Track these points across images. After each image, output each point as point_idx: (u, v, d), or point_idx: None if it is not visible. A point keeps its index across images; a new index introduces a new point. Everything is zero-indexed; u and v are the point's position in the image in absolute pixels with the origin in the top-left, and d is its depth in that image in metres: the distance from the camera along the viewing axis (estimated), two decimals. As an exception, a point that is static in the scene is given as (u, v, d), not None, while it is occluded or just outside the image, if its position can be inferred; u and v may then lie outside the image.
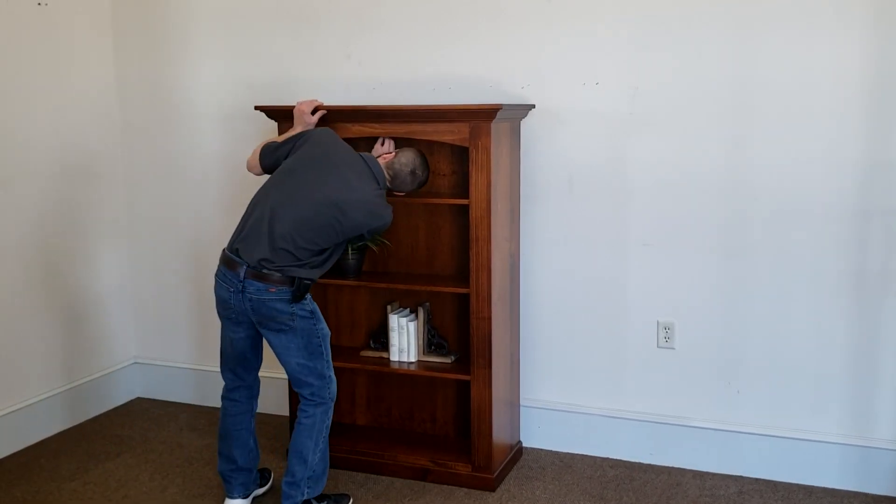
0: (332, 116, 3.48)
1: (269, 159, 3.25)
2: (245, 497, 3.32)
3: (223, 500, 3.34)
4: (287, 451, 3.31)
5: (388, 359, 3.68)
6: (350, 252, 3.61)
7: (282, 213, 3.03)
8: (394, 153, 3.33)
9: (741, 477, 3.58)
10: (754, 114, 3.40)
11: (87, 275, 4.30)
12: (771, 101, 3.37)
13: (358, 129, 3.47)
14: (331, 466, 3.47)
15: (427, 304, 3.70)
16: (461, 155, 3.61)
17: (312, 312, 3.12)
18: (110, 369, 4.44)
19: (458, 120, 3.33)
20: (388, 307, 3.70)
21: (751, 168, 3.43)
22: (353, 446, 3.72)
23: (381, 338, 3.77)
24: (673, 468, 3.67)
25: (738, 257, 3.50)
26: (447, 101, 3.74)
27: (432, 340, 3.69)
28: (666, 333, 3.64)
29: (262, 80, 4.09)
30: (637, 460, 3.74)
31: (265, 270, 3.00)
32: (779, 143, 3.38)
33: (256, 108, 3.64)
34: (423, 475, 3.58)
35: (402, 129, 3.44)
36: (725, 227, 3.50)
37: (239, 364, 3.25)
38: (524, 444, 3.88)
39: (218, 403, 4.35)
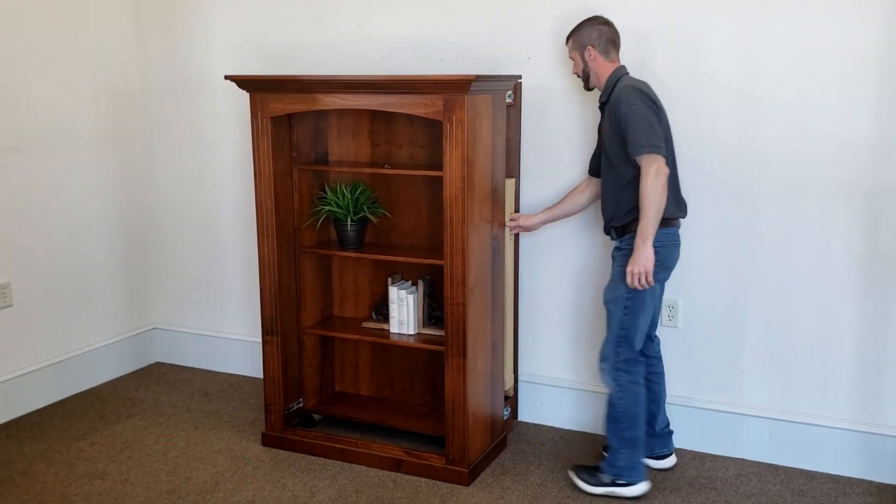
0: (303, 87, 3.33)
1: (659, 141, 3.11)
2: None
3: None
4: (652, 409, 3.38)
5: (389, 331, 3.69)
6: (350, 224, 3.61)
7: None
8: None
9: (742, 459, 3.51)
10: (764, 90, 3.28)
11: (106, 241, 4.40)
12: (782, 77, 3.24)
13: (329, 101, 3.30)
14: (329, 447, 3.51)
15: (428, 277, 3.68)
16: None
17: None
18: (130, 334, 4.56)
19: (432, 92, 3.10)
20: (389, 279, 3.70)
21: (759, 146, 3.32)
22: (357, 413, 3.79)
23: (383, 309, 3.78)
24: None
25: (744, 236, 3.41)
26: (454, 72, 3.69)
27: (432, 313, 3.68)
28: (670, 312, 3.56)
29: (273, 48, 4.10)
30: (638, 439, 3.69)
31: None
32: (789, 121, 3.26)
33: (226, 77, 3.48)
34: (399, 461, 3.48)
35: (374, 102, 3.24)
36: (732, 205, 3.41)
37: (651, 324, 3.35)
38: (525, 420, 3.87)
39: (230, 370, 4.52)
